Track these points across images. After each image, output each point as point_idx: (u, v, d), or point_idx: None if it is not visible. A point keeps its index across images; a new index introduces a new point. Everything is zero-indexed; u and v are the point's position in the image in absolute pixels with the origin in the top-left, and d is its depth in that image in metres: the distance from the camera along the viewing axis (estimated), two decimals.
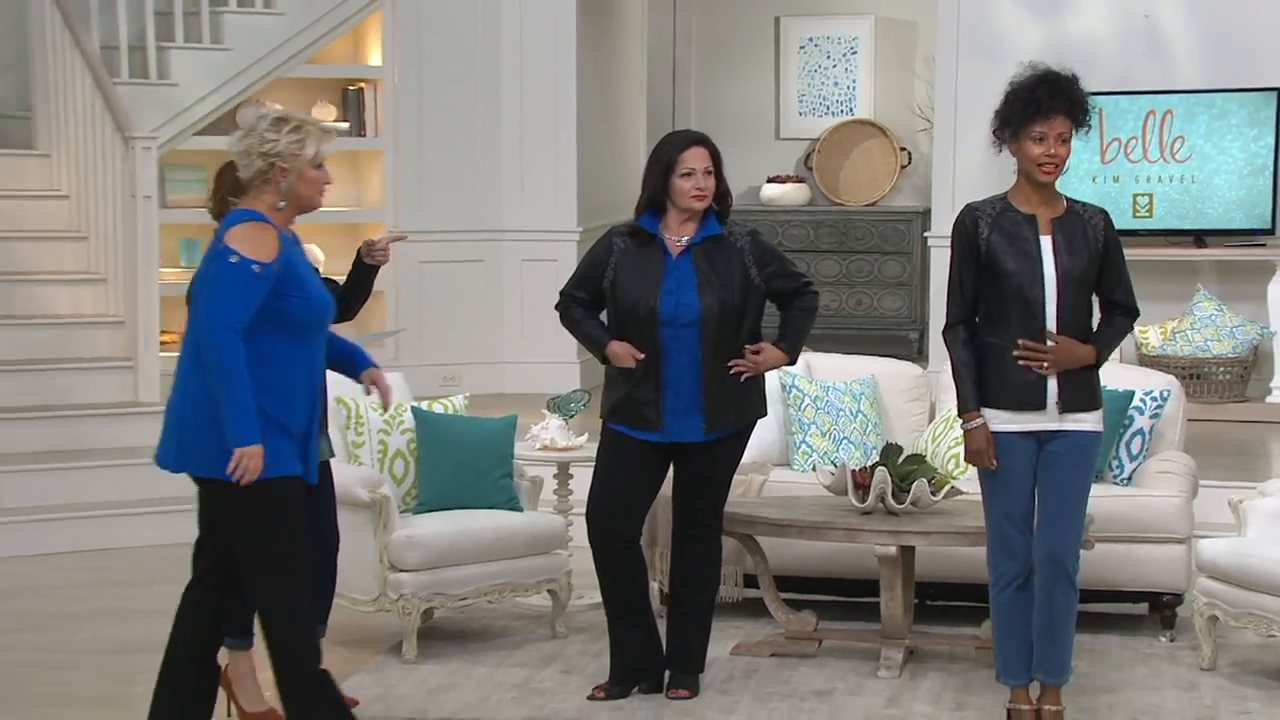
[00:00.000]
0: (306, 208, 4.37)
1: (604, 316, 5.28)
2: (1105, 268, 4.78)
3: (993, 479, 4.77)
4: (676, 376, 5.14)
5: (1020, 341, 4.68)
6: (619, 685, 5.26)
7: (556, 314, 5.34)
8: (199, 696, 4.53)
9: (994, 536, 4.81)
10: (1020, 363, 4.69)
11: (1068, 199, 4.84)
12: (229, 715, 5.04)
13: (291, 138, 4.28)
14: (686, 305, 5.12)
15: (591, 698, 5.24)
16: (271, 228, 4.27)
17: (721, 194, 5.20)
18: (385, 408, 4.70)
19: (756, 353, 5.18)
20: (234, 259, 4.18)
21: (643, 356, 5.14)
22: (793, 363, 5.34)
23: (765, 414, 5.32)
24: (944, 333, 4.83)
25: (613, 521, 5.19)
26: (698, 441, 5.17)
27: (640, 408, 5.16)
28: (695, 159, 5.14)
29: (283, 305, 4.23)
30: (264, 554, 4.27)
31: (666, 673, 5.30)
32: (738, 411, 5.20)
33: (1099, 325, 4.81)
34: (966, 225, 4.77)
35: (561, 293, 5.33)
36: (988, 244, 4.74)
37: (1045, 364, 4.68)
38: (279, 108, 4.47)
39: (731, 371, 5.15)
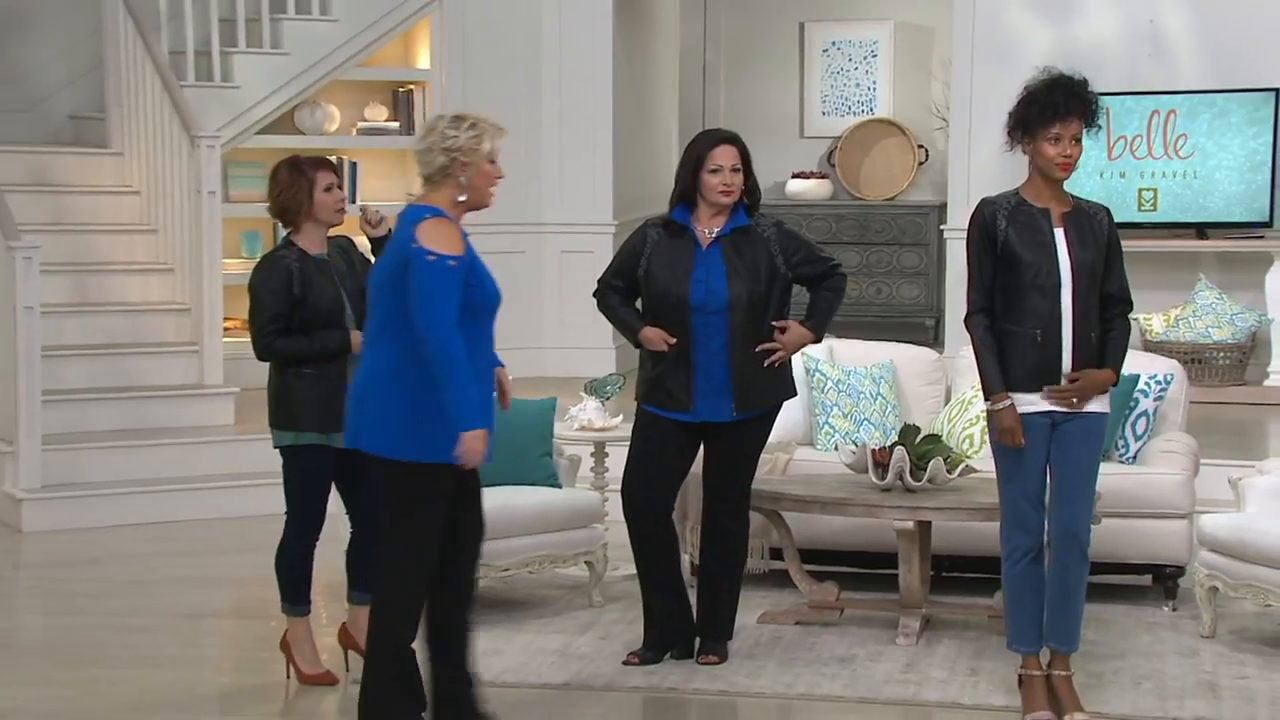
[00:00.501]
0: (481, 203, 4.31)
1: (639, 304, 5.26)
2: (1107, 261, 4.75)
3: (1010, 457, 4.73)
4: (706, 360, 5.11)
5: (1046, 387, 4.65)
6: (652, 651, 5.24)
7: (594, 301, 5.32)
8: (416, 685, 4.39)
9: (1009, 512, 4.77)
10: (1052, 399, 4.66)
11: (1073, 196, 4.80)
12: (287, 677, 5.06)
13: (470, 133, 4.24)
14: (715, 293, 5.09)
15: (626, 663, 5.22)
16: (454, 222, 4.23)
17: (750, 189, 5.17)
18: (504, 406, 4.46)
19: (782, 331, 5.14)
20: (431, 258, 4.13)
21: (674, 341, 5.11)
22: (818, 341, 5.30)
23: (795, 394, 5.29)
24: (965, 321, 4.78)
25: (646, 497, 5.17)
26: (727, 421, 5.15)
27: (672, 390, 5.13)
28: (724, 156, 5.11)
29: (466, 295, 4.19)
30: (403, 529, 4.23)
31: (697, 639, 5.28)
32: (765, 393, 5.17)
33: (1104, 334, 4.75)
34: (985, 218, 4.73)
35: (599, 281, 5.31)
36: (1005, 236, 4.69)
37: (1074, 400, 4.65)
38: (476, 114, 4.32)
39: (765, 364, 5.12)
